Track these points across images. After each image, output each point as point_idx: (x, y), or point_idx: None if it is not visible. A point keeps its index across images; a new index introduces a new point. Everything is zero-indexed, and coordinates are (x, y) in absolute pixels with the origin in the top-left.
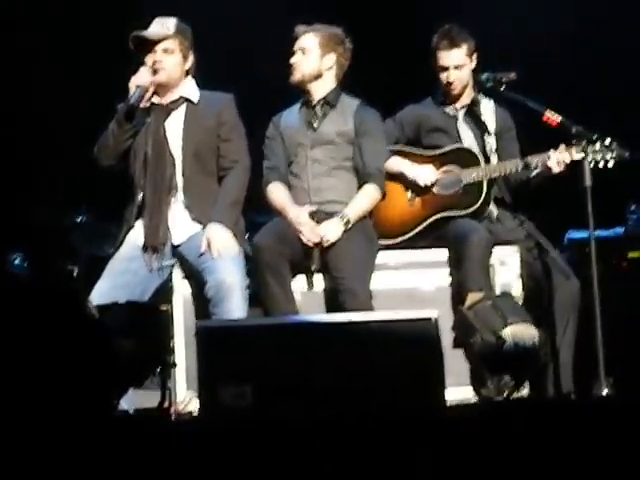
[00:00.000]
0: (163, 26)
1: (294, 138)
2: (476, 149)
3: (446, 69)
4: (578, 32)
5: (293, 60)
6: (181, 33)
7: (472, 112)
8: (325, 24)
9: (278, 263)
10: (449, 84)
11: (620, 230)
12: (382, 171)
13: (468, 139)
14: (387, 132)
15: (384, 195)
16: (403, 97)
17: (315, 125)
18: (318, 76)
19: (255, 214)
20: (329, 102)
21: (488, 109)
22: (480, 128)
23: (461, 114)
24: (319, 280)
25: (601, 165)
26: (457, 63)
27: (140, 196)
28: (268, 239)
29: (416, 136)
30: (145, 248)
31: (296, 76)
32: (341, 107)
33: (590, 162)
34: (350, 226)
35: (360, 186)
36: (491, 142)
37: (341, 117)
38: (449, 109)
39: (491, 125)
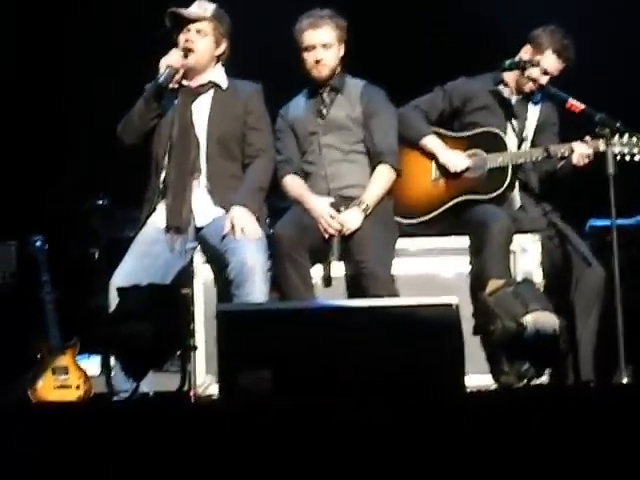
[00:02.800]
0: (201, 8)
1: (305, 127)
2: (513, 135)
3: (547, 74)
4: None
5: (320, 56)
6: (217, 19)
7: (524, 101)
8: (323, 10)
9: (298, 253)
10: (538, 85)
11: None
12: (394, 149)
13: (512, 124)
14: (434, 103)
15: (399, 172)
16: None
17: (324, 112)
18: (337, 67)
19: (276, 199)
20: (335, 87)
21: (535, 101)
22: (523, 117)
23: (515, 99)
24: (340, 267)
25: (627, 158)
26: (557, 74)
27: (162, 177)
28: (288, 229)
29: (461, 110)
30: (168, 229)
31: (324, 72)
32: (347, 91)
33: (616, 155)
34: (370, 211)
35: (373, 168)
36: (528, 133)
37: (348, 102)
38: (506, 90)
39: (533, 117)
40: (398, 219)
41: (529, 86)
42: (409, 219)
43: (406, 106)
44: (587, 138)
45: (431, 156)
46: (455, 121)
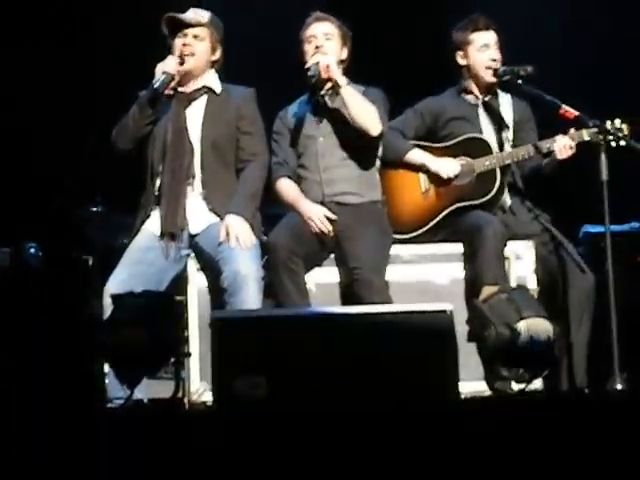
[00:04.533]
0: (197, 14)
1: (303, 131)
2: (494, 138)
3: (487, 47)
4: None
5: (320, 43)
6: (213, 25)
7: (491, 102)
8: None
9: (293, 262)
10: (493, 62)
11: (636, 225)
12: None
13: (487, 128)
14: (407, 122)
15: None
16: (418, 91)
17: (323, 115)
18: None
19: (269, 206)
20: (337, 92)
21: (506, 102)
22: (498, 120)
23: (481, 103)
24: (334, 273)
25: (613, 144)
26: (496, 41)
27: (157, 183)
28: (283, 238)
29: (435, 125)
30: (162, 235)
31: None
32: None
33: (601, 142)
34: (340, 83)
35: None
36: (508, 134)
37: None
38: (470, 97)
39: (508, 117)
40: (394, 235)
41: (490, 73)
42: (405, 234)
43: None
44: (571, 131)
45: (417, 169)
46: (430, 139)
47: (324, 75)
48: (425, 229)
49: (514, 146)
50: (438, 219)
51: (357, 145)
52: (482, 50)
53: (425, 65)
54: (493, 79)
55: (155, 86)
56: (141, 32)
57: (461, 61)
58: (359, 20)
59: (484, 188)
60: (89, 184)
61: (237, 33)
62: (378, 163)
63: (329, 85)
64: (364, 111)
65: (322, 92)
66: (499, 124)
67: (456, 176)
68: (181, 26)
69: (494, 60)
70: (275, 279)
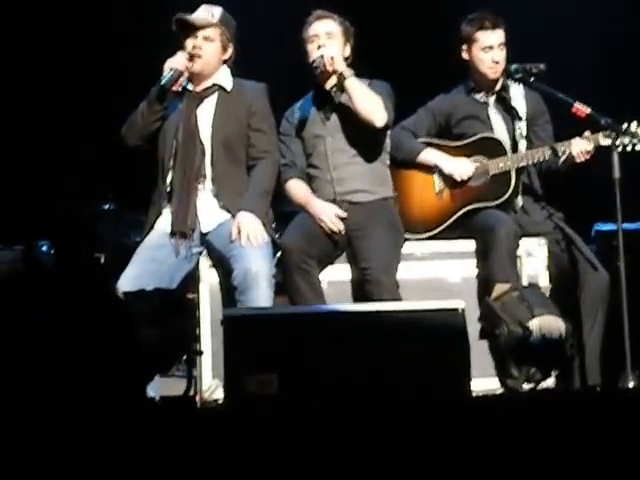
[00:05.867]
0: (208, 13)
1: (311, 130)
2: (506, 136)
3: (491, 48)
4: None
5: (322, 43)
6: (225, 23)
7: (502, 98)
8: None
9: (306, 263)
10: (495, 64)
11: None
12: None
13: (499, 125)
14: (419, 121)
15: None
16: (428, 89)
17: (330, 114)
18: None
19: (282, 204)
20: (342, 88)
21: (518, 94)
22: (510, 114)
23: (492, 100)
24: (346, 271)
25: (629, 149)
26: (502, 41)
27: (169, 181)
28: (296, 239)
29: (447, 125)
30: (173, 233)
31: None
32: None
33: (618, 146)
34: (345, 75)
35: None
36: (522, 128)
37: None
38: (479, 96)
39: (522, 110)
40: (407, 235)
41: (495, 73)
42: (419, 234)
43: (393, 129)
44: (587, 133)
45: (430, 169)
46: (443, 138)
47: (329, 67)
48: (439, 230)
49: (528, 140)
50: (451, 221)
51: (365, 141)
52: (485, 51)
53: (432, 63)
54: (495, 76)
55: (162, 82)
56: (150, 29)
57: (464, 55)
58: (365, 17)
59: (499, 190)
60: (97, 183)
61: (238, 33)
62: (388, 159)
63: (334, 80)
64: (369, 102)
65: (328, 88)
66: (511, 119)
67: (470, 178)
68: (191, 27)
69: (496, 62)
70: (289, 281)
